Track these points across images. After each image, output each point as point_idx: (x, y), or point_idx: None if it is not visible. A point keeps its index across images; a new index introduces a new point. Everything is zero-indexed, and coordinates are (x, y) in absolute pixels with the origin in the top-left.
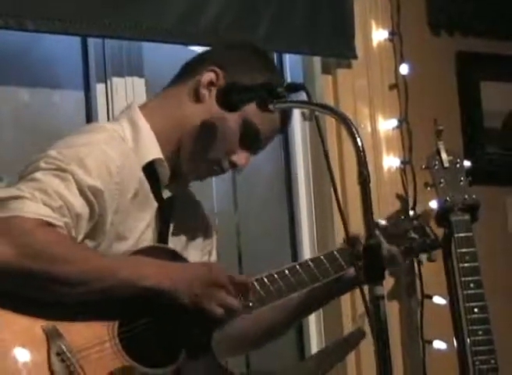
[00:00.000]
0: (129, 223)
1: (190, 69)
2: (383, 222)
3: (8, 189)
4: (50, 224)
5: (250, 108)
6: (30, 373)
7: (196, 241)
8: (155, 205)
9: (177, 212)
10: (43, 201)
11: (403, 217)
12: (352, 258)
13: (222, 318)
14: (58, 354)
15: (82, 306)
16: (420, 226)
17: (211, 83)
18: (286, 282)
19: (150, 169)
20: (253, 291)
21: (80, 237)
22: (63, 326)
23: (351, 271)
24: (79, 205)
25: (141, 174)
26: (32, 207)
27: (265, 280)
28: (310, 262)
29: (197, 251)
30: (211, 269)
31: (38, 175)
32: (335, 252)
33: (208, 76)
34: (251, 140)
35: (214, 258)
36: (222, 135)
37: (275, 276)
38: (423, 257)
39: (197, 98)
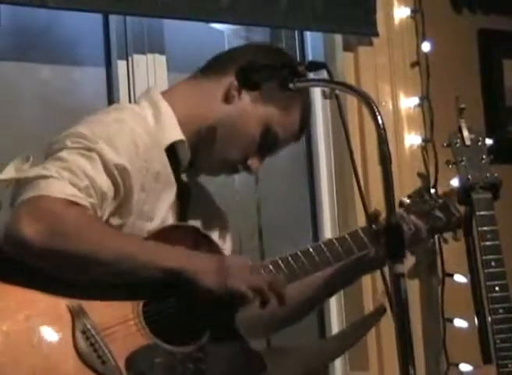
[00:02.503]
0: (154, 203)
1: (221, 65)
2: (407, 200)
3: (34, 168)
4: (76, 204)
5: (274, 116)
6: (55, 350)
7: (211, 230)
8: (175, 187)
9: (193, 198)
10: (70, 181)
11: (427, 196)
12: (373, 236)
13: (250, 299)
14: (83, 332)
15: (106, 284)
16: (445, 205)
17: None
18: (310, 260)
19: (171, 151)
20: (278, 270)
21: (105, 217)
22: (88, 304)
23: (375, 250)
24: (105, 184)
25: (164, 155)
26: (59, 186)
27: (290, 258)
28: (334, 241)
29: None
30: (237, 257)
31: (64, 154)
32: (359, 231)
33: None
34: (269, 147)
35: (227, 246)
36: (242, 139)
37: (300, 254)
38: (448, 236)
39: (227, 98)
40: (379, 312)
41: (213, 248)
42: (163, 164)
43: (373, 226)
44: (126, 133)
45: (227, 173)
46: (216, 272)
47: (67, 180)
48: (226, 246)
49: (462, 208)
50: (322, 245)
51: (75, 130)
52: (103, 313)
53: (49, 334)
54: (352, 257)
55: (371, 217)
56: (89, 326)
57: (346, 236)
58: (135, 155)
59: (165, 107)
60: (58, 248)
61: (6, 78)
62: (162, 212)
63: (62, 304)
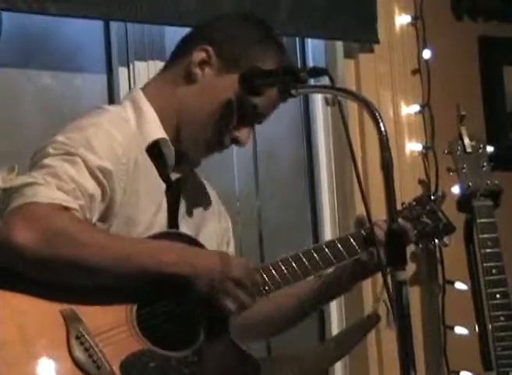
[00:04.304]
0: (138, 205)
1: (182, 49)
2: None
3: (20, 177)
4: (65, 208)
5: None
6: (49, 357)
7: (208, 226)
8: (163, 186)
9: (187, 195)
10: (56, 186)
11: (414, 202)
12: (364, 242)
13: (232, 312)
14: (77, 337)
15: (100, 289)
16: (432, 211)
17: (203, 62)
18: (300, 266)
19: (155, 150)
20: (269, 276)
21: (95, 219)
22: (81, 310)
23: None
24: (91, 186)
25: (145, 155)
26: (46, 192)
27: (280, 263)
28: (324, 246)
29: (210, 237)
30: (232, 264)
31: (48, 161)
32: (349, 236)
33: (198, 55)
34: (251, 115)
35: (232, 249)
36: (218, 114)
37: (290, 260)
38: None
39: (191, 78)
40: (373, 320)
41: None
42: (145, 165)
43: (362, 231)
44: (103, 136)
45: (216, 150)
46: (211, 282)
47: (54, 185)
48: (230, 248)
49: (462, 216)
50: (312, 251)
51: (54, 138)
52: (97, 318)
53: (44, 341)
54: (342, 262)
55: (359, 223)
56: (83, 332)
57: (336, 241)
58: (114, 157)
59: (146, 107)
60: (56, 255)
61: (8, 84)
62: (150, 214)
63: (55, 310)
